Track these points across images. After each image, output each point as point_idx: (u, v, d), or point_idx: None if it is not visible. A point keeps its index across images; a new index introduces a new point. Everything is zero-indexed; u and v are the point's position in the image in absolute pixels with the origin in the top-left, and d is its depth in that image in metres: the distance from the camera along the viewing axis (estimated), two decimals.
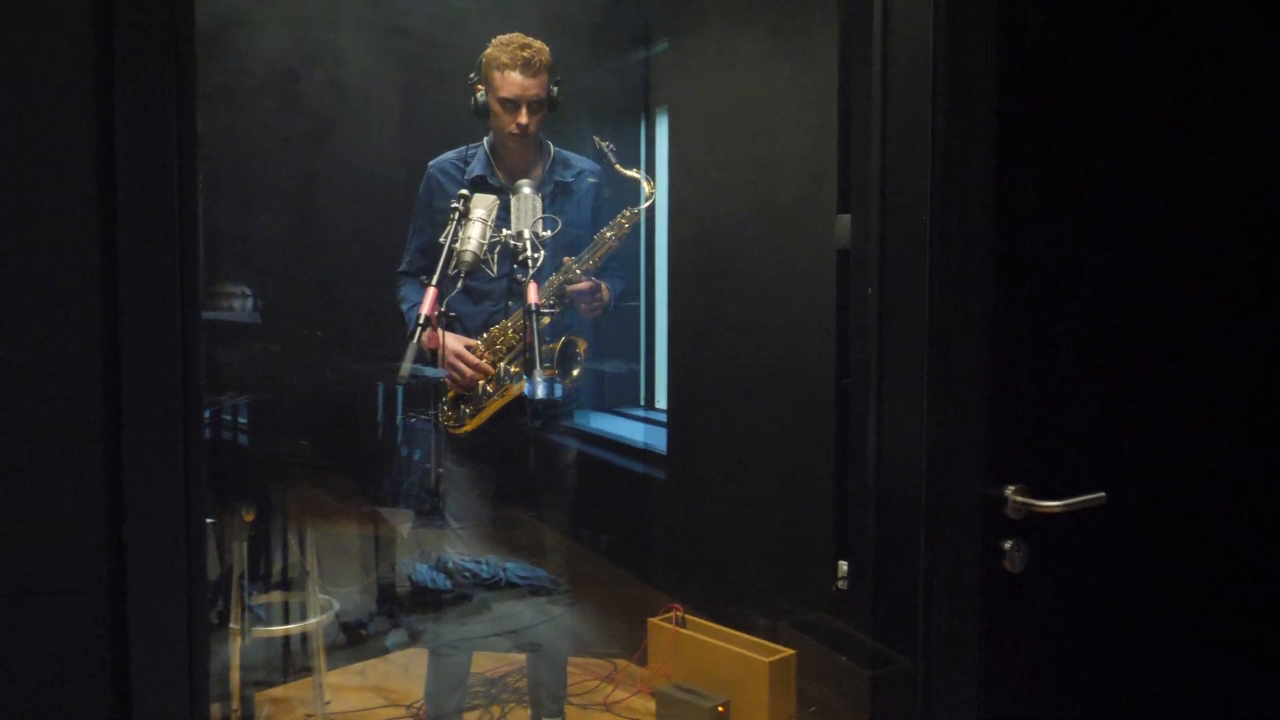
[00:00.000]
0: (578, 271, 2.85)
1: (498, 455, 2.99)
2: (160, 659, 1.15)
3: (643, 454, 4.06)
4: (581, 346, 2.90)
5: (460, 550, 3.35)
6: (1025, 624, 1.64)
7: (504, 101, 2.85)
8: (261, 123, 3.45)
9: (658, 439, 4.06)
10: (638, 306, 4.39)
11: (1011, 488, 1.58)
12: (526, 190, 2.67)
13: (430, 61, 3.62)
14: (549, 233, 2.66)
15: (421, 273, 3.02)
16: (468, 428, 2.93)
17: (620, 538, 3.82)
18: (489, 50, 2.89)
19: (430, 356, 2.74)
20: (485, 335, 2.91)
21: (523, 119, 2.83)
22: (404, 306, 3.04)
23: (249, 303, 3.79)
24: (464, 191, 2.70)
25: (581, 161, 3.06)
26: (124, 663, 1.13)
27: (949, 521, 1.54)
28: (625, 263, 3.22)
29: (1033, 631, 1.66)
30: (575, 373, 2.89)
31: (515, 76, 2.81)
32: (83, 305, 1.07)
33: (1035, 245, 1.58)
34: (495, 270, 2.72)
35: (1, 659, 1.11)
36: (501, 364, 2.89)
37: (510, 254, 2.61)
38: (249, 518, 2.71)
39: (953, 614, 1.56)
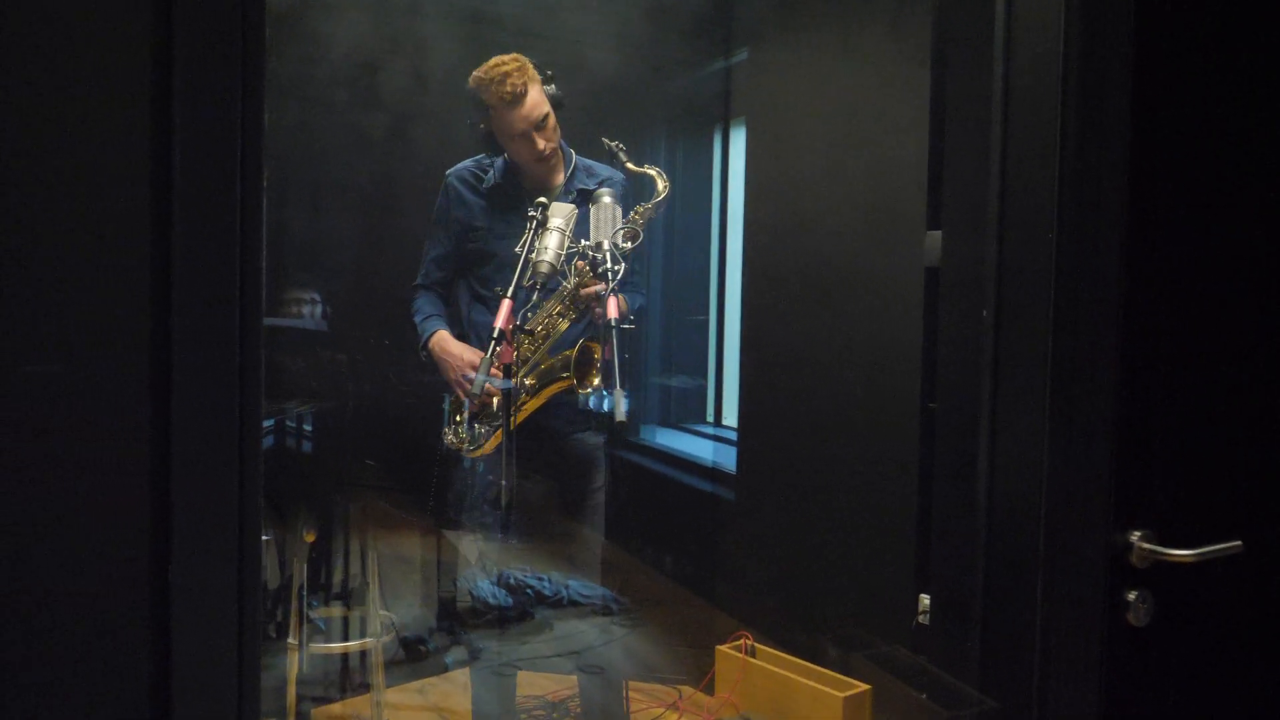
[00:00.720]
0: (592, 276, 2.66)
1: (563, 469, 2.85)
2: (207, 676, 1.05)
3: (711, 473, 3.92)
4: (597, 352, 2.65)
5: (523, 566, 3.23)
6: (1149, 682, 1.48)
7: (514, 138, 2.69)
8: (336, 118, 3.38)
9: (726, 457, 3.90)
10: (706, 320, 4.26)
11: (1138, 534, 1.42)
12: (607, 199, 2.52)
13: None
14: (630, 245, 2.52)
15: (438, 286, 2.88)
16: (485, 449, 2.72)
17: (687, 558, 3.68)
18: (471, 86, 2.69)
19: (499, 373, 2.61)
20: (534, 334, 2.73)
21: (540, 144, 2.67)
22: (417, 319, 2.86)
23: (318, 309, 3.72)
24: (542, 200, 2.55)
25: (604, 168, 2.87)
26: (166, 681, 1.04)
27: (1069, 569, 1.38)
28: (642, 276, 3.10)
29: (1157, 691, 1.50)
30: (595, 381, 2.62)
31: (510, 115, 2.64)
32: (134, 308, 0.97)
33: (1171, 267, 1.42)
34: (573, 282, 2.58)
35: (44, 672, 1.02)
36: (520, 374, 2.66)
37: (591, 265, 2.49)
38: (309, 538, 2.61)
39: (1071, 669, 1.40)
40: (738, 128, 3.92)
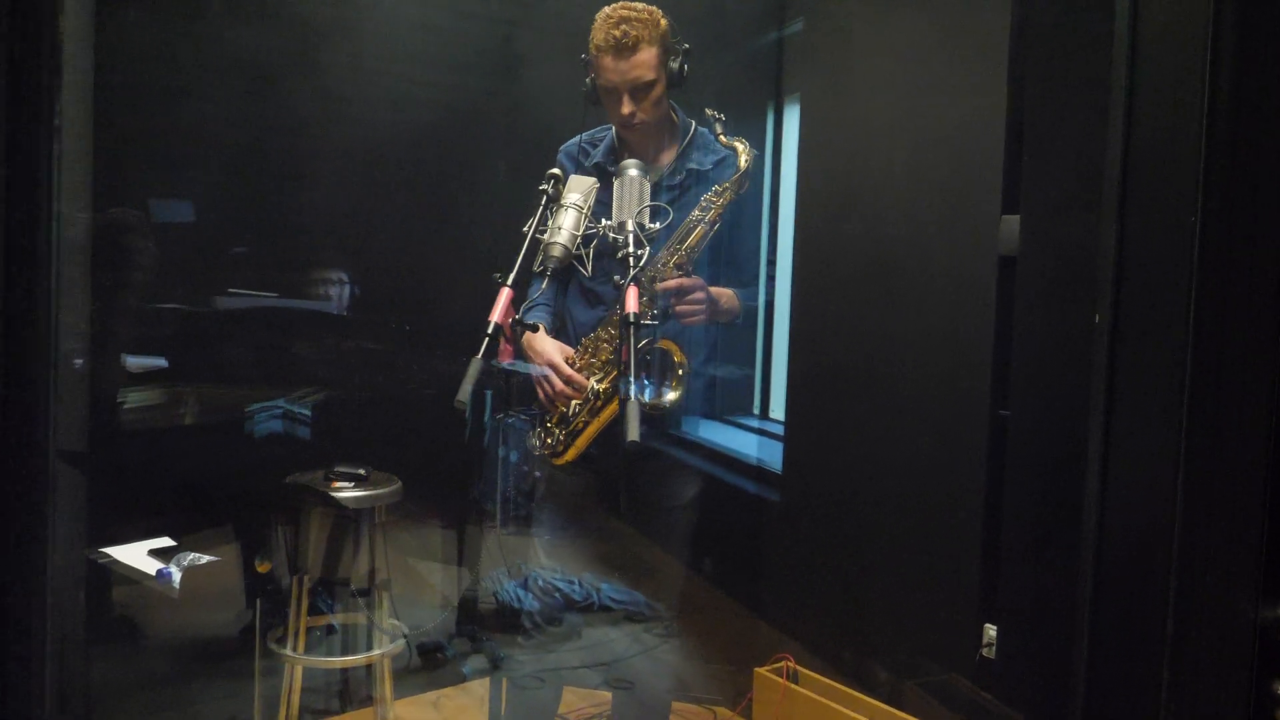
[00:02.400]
0: (668, 266, 2.32)
1: (599, 462, 2.50)
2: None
3: (756, 471, 3.60)
4: (678, 356, 2.36)
5: (551, 566, 2.93)
6: None
7: (605, 91, 2.41)
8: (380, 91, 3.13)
9: (772, 453, 3.55)
10: (755, 307, 3.96)
11: None
12: (633, 172, 2.17)
13: (553, 40, 3.24)
14: (657, 225, 2.15)
15: (558, 274, 2.60)
16: (568, 457, 2.45)
17: (728, 563, 3.34)
18: (593, 25, 2.40)
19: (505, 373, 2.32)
20: (581, 343, 2.45)
21: (625, 108, 2.37)
22: (521, 306, 2.58)
23: (345, 291, 3.45)
24: (555, 171, 2.21)
25: (723, 149, 2.52)
26: None
27: (1203, 650, 1.05)
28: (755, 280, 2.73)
29: None
30: (673, 395, 2.33)
31: (609, 61, 2.34)
32: None
33: None
34: (590, 269, 2.23)
35: None
36: (592, 380, 2.40)
37: (609, 249, 2.12)
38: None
39: None
40: (791, 105, 3.57)
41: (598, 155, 2.55)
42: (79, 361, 1.25)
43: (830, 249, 3.19)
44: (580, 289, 2.52)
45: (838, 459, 3.13)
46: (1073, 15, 1.97)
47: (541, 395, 2.46)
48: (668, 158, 2.52)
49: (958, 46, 2.66)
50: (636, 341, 1.96)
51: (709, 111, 2.46)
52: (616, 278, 2.06)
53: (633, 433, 1.76)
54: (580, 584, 3.03)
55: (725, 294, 2.50)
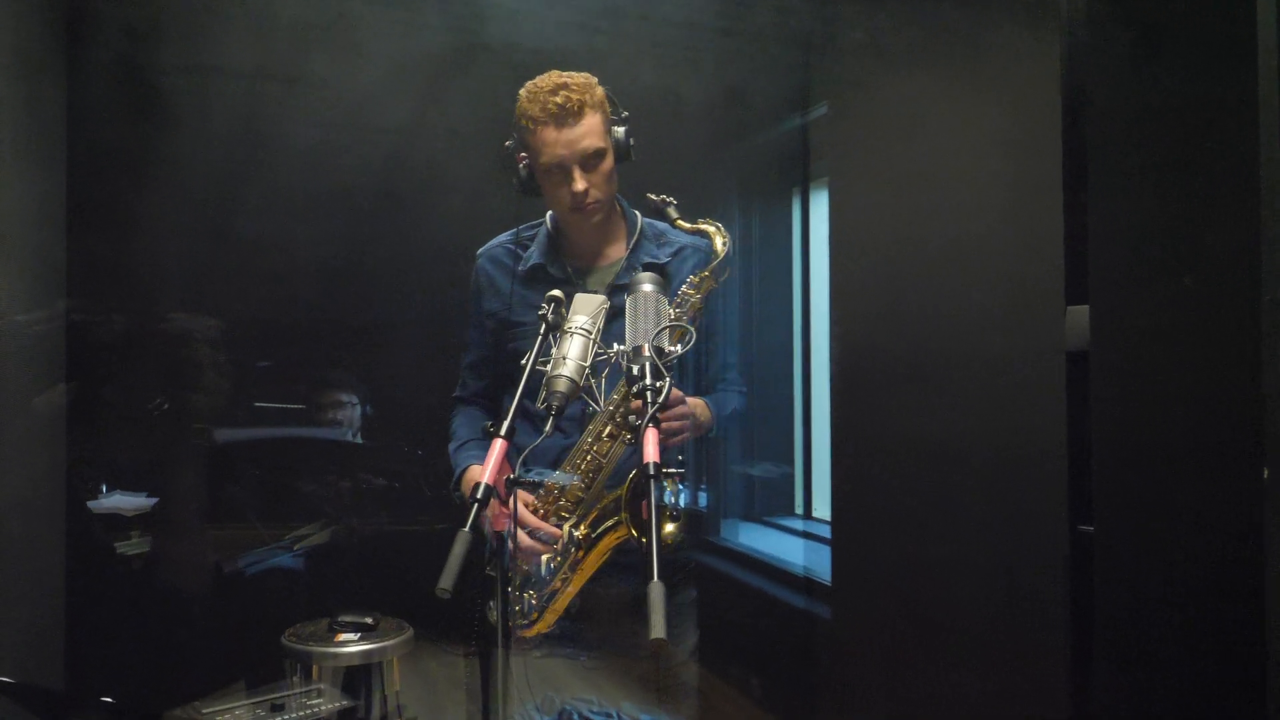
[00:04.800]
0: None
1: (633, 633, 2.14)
2: None
3: (804, 583, 3.23)
4: (670, 483, 1.77)
5: (587, 698, 2.56)
6: None
7: (547, 171, 2.06)
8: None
9: (820, 560, 3.21)
10: (791, 399, 3.61)
11: None
12: (647, 287, 1.73)
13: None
14: (677, 349, 1.68)
15: (479, 399, 2.26)
16: (539, 628, 2.07)
17: (777, 688, 3.00)
18: (519, 101, 2.09)
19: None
20: (543, 485, 2.04)
21: (579, 184, 2.04)
22: (451, 446, 2.21)
23: (356, 414, 3.15)
24: (556, 293, 1.78)
25: (681, 235, 2.19)
26: None
27: None
28: (742, 369, 2.42)
29: None
30: (670, 528, 1.79)
31: (550, 134, 2.01)
32: None
33: None
34: (603, 403, 1.90)
35: None
36: (567, 526, 1.98)
37: (628, 381, 1.65)
38: None
39: None
40: (818, 190, 3.33)
41: (534, 256, 2.19)
42: None
43: (870, 340, 2.87)
44: (524, 414, 1.93)
45: (892, 566, 2.74)
46: (1133, 82, 1.69)
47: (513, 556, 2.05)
48: (615, 253, 2.19)
49: (1003, 122, 2.35)
50: (658, 497, 1.40)
51: (656, 197, 2.13)
52: (632, 417, 1.57)
53: (657, 628, 1.27)
54: (619, 716, 2.67)
55: (699, 405, 2.15)
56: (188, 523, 2.55)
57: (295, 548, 2.74)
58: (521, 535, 1.99)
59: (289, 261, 2.74)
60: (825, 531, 3.25)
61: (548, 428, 1.59)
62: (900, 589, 2.68)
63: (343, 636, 2.23)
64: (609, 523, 1.97)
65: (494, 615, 1.89)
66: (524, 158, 2.11)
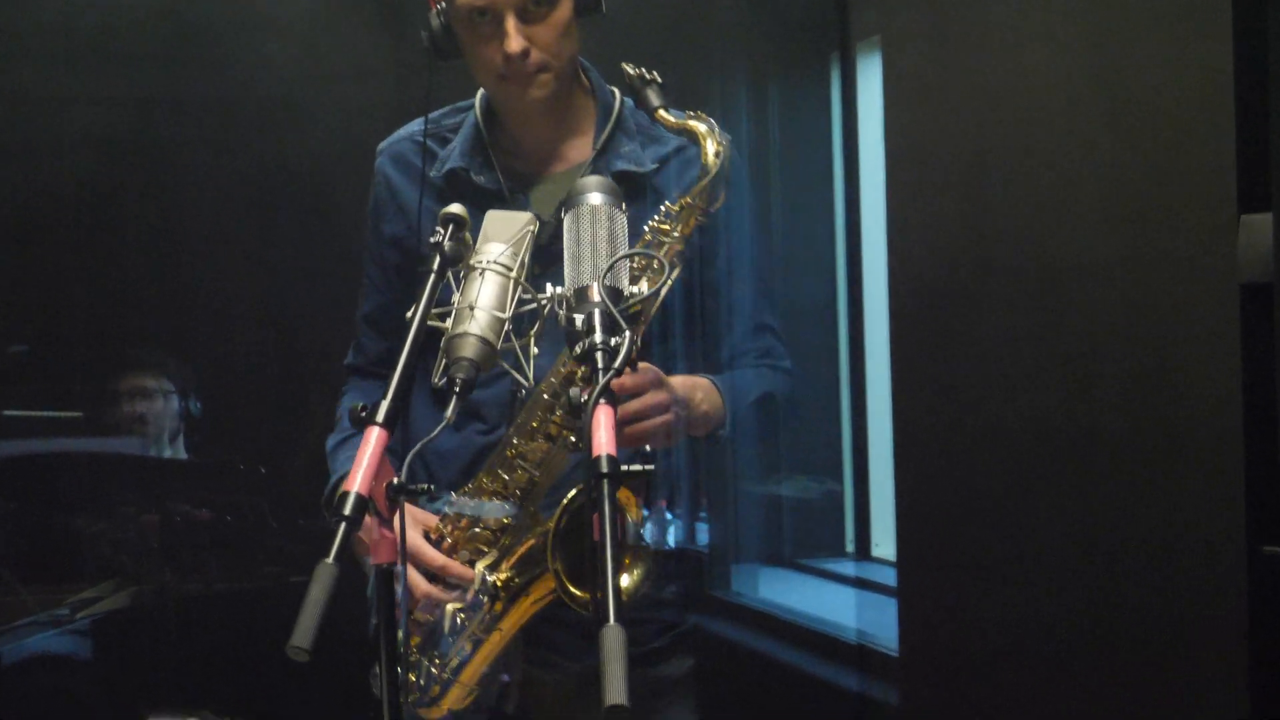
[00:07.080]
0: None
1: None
2: None
3: (856, 653, 3.07)
4: (633, 510, 1.89)
5: None
6: None
7: (468, 20, 1.98)
8: None
9: (880, 616, 3.09)
10: (837, 380, 3.60)
11: None
12: (595, 199, 1.61)
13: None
14: (641, 289, 1.58)
15: (382, 368, 2.13)
16: (446, 703, 2.03)
17: None
18: None
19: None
20: (450, 505, 1.98)
21: (513, 42, 1.96)
22: (330, 441, 2.17)
23: (173, 406, 3.14)
24: (456, 208, 1.65)
25: (672, 136, 2.08)
26: None
27: None
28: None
29: None
30: (626, 580, 1.85)
31: None
32: None
33: None
34: (531, 377, 1.67)
35: None
36: (481, 565, 1.95)
37: (569, 339, 1.56)
38: None
39: None
40: (867, 54, 3.27)
41: (454, 157, 2.11)
42: None
43: (953, 285, 2.77)
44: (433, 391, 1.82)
45: (989, 631, 2.68)
46: None
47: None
48: (576, 153, 2.15)
49: None
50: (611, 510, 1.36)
51: (634, 70, 2.03)
52: (574, 390, 1.50)
53: (614, 690, 1.20)
54: None
55: (699, 386, 2.09)
56: None
57: (76, 618, 2.66)
58: (415, 576, 1.96)
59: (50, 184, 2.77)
60: (890, 578, 3.17)
61: (448, 413, 1.50)
62: (999, 661, 2.61)
63: None
64: (539, 568, 1.96)
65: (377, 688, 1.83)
66: (440, 11, 1.99)
